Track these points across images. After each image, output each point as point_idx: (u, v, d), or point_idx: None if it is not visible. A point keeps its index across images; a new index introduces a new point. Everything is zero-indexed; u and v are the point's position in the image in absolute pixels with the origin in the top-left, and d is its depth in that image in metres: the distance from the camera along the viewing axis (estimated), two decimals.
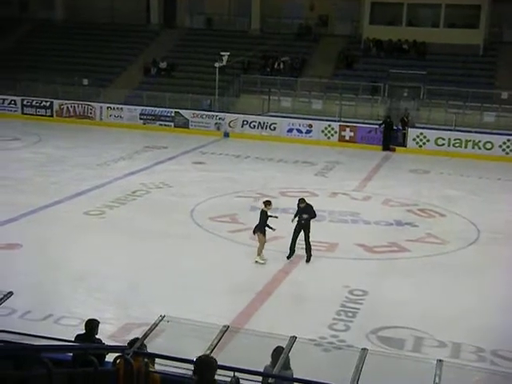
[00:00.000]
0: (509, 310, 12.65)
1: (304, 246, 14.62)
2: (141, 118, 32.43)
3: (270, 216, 14.36)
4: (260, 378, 6.79)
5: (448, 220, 18.81)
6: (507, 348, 10.94)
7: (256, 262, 14.35)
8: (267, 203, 14.45)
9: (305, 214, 14.49)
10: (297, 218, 14.65)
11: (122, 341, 9.81)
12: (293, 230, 14.58)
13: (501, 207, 20.46)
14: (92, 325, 8.24)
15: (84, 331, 8.19)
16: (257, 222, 14.40)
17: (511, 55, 34.29)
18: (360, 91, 32.45)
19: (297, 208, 14.80)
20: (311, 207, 14.70)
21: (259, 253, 14.38)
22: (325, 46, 37.05)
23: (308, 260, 14.56)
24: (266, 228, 14.28)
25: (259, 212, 14.55)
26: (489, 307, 12.72)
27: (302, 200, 14.77)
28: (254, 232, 14.45)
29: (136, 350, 7.13)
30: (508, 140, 28.08)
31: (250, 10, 39.20)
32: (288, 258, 14.56)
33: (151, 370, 7.09)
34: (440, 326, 11.64)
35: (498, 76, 33.43)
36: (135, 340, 7.32)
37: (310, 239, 14.56)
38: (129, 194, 19.71)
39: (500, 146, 28.09)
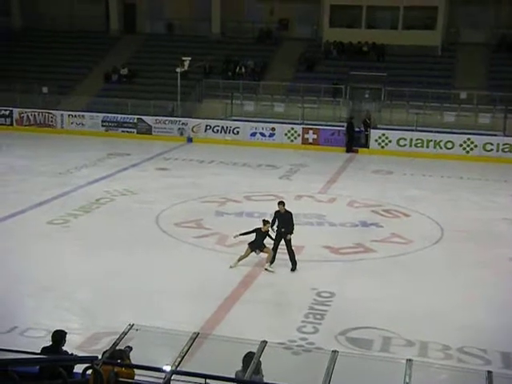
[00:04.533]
0: (473, 307, 12.84)
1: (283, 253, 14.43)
2: (103, 125, 32.14)
3: (269, 236, 14.37)
4: None
5: (412, 220, 19.02)
6: (473, 345, 11.08)
7: (266, 269, 14.30)
8: (266, 222, 14.31)
9: (283, 225, 14.31)
10: (275, 227, 14.48)
11: (91, 351, 9.73)
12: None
13: (463, 205, 20.78)
14: (59, 336, 8.08)
15: (51, 343, 8.05)
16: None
17: (468, 56, 34.95)
18: (322, 94, 32.66)
19: (274, 213, 14.62)
20: (290, 216, 14.51)
21: (267, 261, 14.36)
22: (286, 50, 37.22)
23: (294, 268, 14.36)
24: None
25: (256, 229, 14.35)
26: (454, 305, 12.87)
27: (280, 203, 14.62)
28: (258, 250, 14.31)
29: (105, 360, 7.06)
30: (468, 139, 28.56)
31: (211, 14, 39.17)
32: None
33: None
34: (407, 325, 11.74)
35: (456, 76, 34.01)
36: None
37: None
38: (93, 202, 19.50)
39: (460, 145, 28.55)
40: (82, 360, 7.48)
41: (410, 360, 7.01)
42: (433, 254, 16.05)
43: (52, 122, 32.64)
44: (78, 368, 7.29)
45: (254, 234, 14.33)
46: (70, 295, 12.73)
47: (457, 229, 17.97)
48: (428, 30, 35.58)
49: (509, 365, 10.52)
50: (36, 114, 32.75)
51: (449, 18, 36.30)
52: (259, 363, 7.24)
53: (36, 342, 9.47)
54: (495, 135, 29.27)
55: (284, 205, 14.65)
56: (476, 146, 28.36)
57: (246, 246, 14.35)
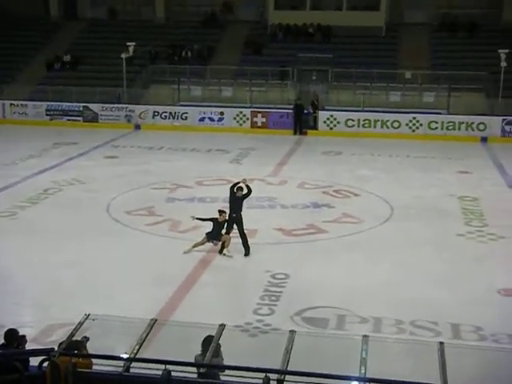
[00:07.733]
0: (424, 282, 13.11)
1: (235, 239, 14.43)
2: (47, 114, 31.51)
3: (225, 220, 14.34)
4: (191, 369, 6.79)
5: (362, 199, 19.28)
6: (424, 318, 11.36)
7: (224, 254, 14.30)
8: (222, 212, 14.29)
9: (235, 210, 14.31)
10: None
11: (45, 343, 9.60)
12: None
13: (411, 183, 21.16)
14: (10, 336, 7.93)
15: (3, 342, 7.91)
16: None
17: (412, 36, 35.41)
18: (269, 77, 32.67)
19: (232, 194, 14.49)
20: (243, 199, 14.54)
21: (227, 245, 14.32)
22: (231, 33, 37.05)
23: (247, 253, 14.36)
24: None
25: (212, 219, 14.28)
26: (406, 281, 13.14)
27: (239, 188, 14.47)
28: (215, 241, 14.31)
29: (62, 351, 6.99)
30: (414, 118, 29.05)
31: None
32: (220, 252, 14.44)
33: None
34: (361, 303, 11.94)
35: (401, 56, 34.42)
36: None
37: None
38: (41, 193, 19.15)
39: (407, 124, 29.02)
40: (38, 352, 7.39)
41: (365, 336, 7.14)
42: (383, 233, 16.31)
43: None
44: (35, 361, 7.19)
45: (211, 223, 14.28)
46: (20, 288, 12.50)
47: (406, 207, 18.31)
48: (372, 10, 35.86)
49: (458, 335, 10.83)
50: None
51: None
52: (218, 346, 7.27)
53: None
54: (439, 113, 29.82)
55: (243, 190, 14.61)
56: (421, 125, 28.87)
57: (204, 235, 14.31)
